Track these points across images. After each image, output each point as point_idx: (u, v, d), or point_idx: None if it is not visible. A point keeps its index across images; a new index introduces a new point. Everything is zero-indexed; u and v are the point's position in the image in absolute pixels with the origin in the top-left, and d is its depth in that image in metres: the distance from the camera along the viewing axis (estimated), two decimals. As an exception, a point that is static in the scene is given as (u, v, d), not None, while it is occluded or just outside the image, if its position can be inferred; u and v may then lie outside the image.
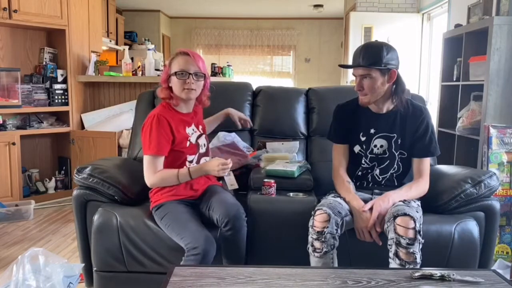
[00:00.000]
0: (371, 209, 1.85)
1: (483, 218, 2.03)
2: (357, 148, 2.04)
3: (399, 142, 1.99)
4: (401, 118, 1.99)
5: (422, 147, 1.98)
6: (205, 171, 1.99)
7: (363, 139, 2.03)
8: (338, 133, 2.09)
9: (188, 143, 2.07)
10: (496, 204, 2.05)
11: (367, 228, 1.83)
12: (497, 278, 1.43)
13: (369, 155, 2.02)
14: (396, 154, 2.00)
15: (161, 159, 2.00)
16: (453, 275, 1.41)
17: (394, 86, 1.95)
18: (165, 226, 1.93)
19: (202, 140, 2.17)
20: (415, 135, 1.98)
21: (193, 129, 2.12)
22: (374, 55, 1.88)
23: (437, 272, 1.42)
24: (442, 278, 1.40)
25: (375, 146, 2.01)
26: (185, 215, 1.93)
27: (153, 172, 1.98)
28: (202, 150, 2.15)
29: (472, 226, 1.95)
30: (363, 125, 2.03)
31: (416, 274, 1.42)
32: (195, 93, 2.05)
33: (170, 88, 2.05)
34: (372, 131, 2.01)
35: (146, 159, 1.99)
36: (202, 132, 2.18)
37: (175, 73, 2.00)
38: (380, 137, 2.00)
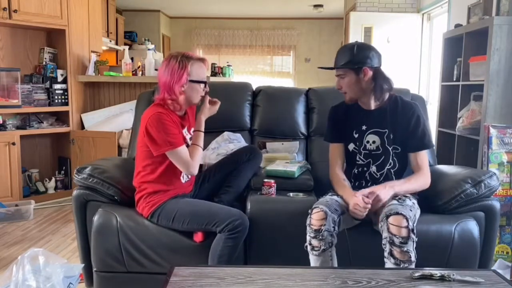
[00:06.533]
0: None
1: (483, 218, 2.03)
2: (351, 146, 2.08)
3: (391, 137, 2.02)
4: (391, 113, 2.02)
5: (416, 141, 2.01)
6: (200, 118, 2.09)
7: (356, 136, 2.07)
8: (332, 133, 2.15)
9: (185, 145, 2.07)
10: (496, 204, 2.05)
11: (356, 202, 1.82)
12: (497, 278, 1.43)
13: (363, 152, 2.05)
14: (390, 149, 2.02)
15: (185, 148, 1.99)
16: (453, 275, 1.41)
17: (374, 84, 1.98)
18: (182, 223, 1.92)
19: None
20: (407, 130, 2.00)
21: (185, 132, 2.11)
22: (345, 56, 1.98)
23: (437, 272, 1.42)
24: (442, 278, 1.40)
25: (368, 142, 2.04)
26: (201, 203, 1.93)
27: (188, 160, 1.96)
28: None
29: (472, 226, 1.95)
30: (355, 122, 2.08)
31: (416, 274, 1.42)
32: None
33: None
34: (363, 127, 2.05)
35: (175, 154, 1.94)
36: (191, 135, 2.18)
37: (198, 82, 2.01)
38: (372, 133, 2.04)
